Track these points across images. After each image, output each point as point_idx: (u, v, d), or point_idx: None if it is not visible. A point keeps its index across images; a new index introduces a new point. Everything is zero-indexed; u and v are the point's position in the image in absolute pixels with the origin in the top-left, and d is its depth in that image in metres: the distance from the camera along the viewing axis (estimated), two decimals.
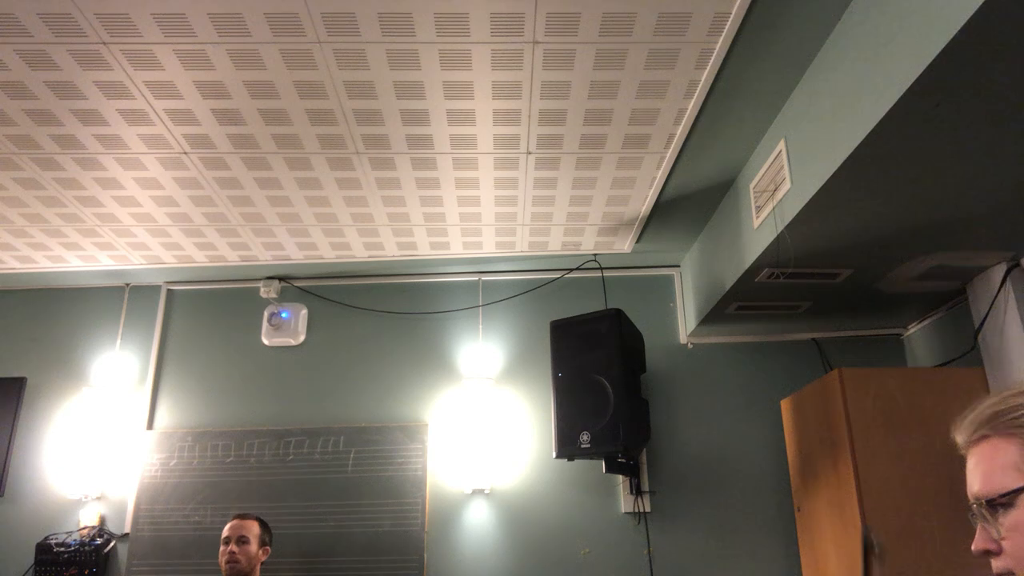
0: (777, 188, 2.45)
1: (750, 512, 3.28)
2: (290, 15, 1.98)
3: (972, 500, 0.93)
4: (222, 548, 2.76)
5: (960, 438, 0.96)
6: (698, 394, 3.47)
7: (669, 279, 3.68)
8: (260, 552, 2.80)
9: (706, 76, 2.23)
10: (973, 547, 0.92)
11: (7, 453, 3.39)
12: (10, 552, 3.31)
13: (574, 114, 2.43)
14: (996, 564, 0.90)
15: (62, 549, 3.20)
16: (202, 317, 3.67)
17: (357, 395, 3.51)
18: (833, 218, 2.34)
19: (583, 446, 2.87)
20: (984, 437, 0.93)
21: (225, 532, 2.79)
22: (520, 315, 3.62)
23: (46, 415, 3.52)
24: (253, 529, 2.80)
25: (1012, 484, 0.88)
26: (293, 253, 3.42)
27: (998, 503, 0.89)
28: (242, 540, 2.76)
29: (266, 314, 3.57)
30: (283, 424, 3.44)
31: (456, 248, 3.40)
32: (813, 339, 3.53)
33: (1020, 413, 0.90)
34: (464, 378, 3.49)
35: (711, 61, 2.16)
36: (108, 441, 3.42)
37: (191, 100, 2.33)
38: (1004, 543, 0.88)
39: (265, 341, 3.57)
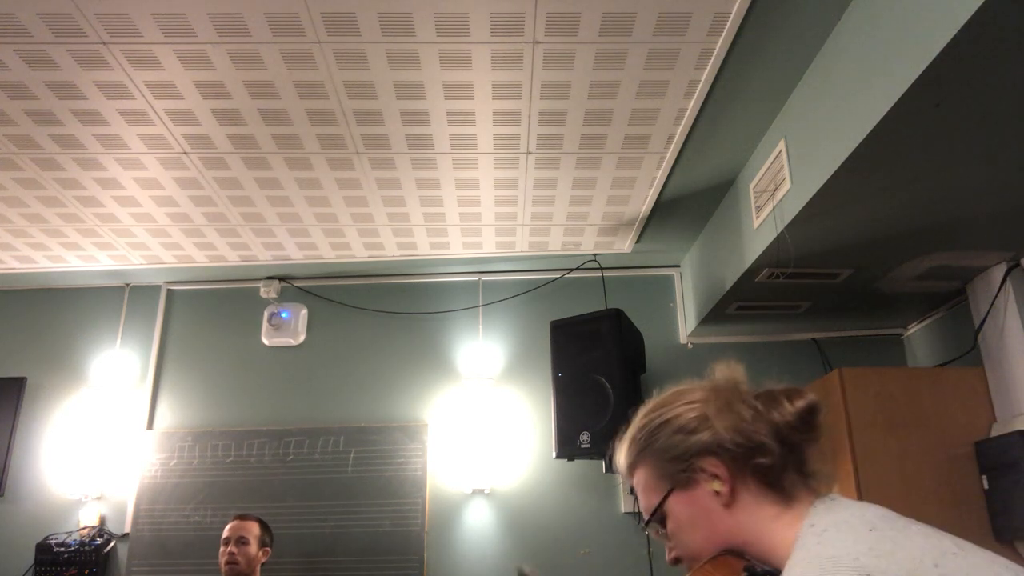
0: (777, 188, 2.45)
1: None
2: (290, 15, 1.98)
3: (642, 525, 1.07)
4: (222, 549, 2.75)
5: (620, 470, 1.09)
6: None
7: (669, 279, 3.67)
8: (260, 553, 2.79)
9: (706, 76, 2.23)
10: (667, 559, 1.03)
11: (7, 453, 3.39)
12: (10, 552, 3.31)
13: (574, 114, 2.43)
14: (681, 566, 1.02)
15: (62, 549, 3.20)
16: (202, 317, 3.67)
17: (357, 395, 3.51)
18: (833, 218, 2.34)
19: (583, 446, 2.87)
20: (631, 467, 1.06)
21: (225, 533, 2.78)
22: (520, 315, 3.62)
23: (46, 415, 3.52)
24: (253, 530, 2.79)
25: (654, 502, 1.01)
26: (293, 253, 3.42)
27: (655, 520, 1.02)
28: (242, 541, 2.75)
29: (266, 314, 3.57)
30: (283, 424, 3.44)
31: (456, 248, 3.40)
32: (813, 339, 3.53)
33: (641, 437, 1.03)
34: (464, 378, 3.49)
35: (711, 61, 2.16)
36: (108, 441, 3.42)
37: (191, 100, 2.33)
38: (676, 550, 1.01)
39: (265, 341, 3.57)
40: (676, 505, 0.99)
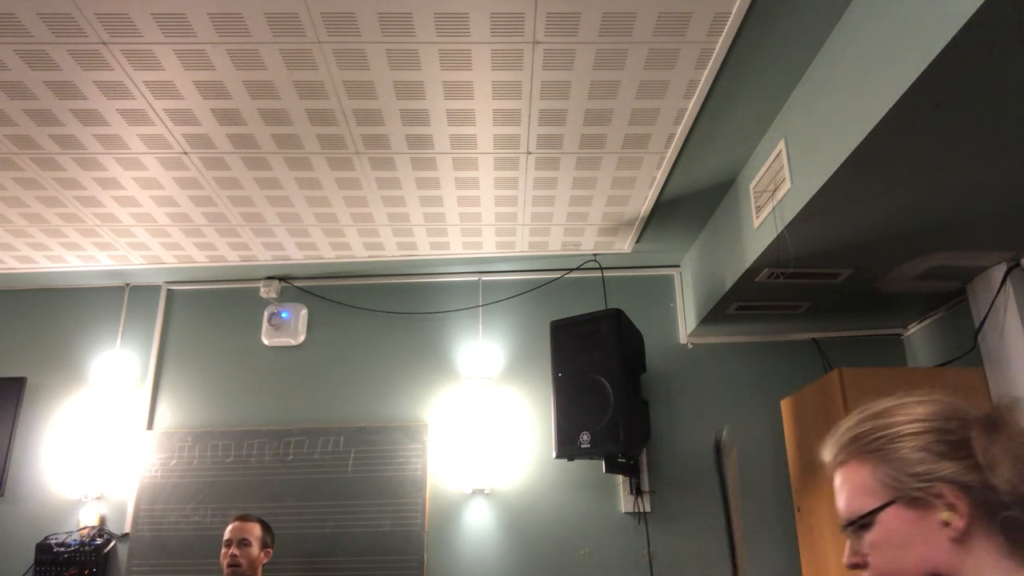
0: (777, 188, 2.45)
1: (750, 512, 3.28)
2: (290, 15, 1.98)
3: (840, 520, 1.01)
4: (224, 551, 2.74)
5: (826, 459, 1.04)
6: (698, 394, 3.47)
7: (669, 279, 3.68)
8: (262, 554, 2.78)
9: (706, 76, 2.23)
10: (844, 561, 0.99)
11: (7, 453, 3.39)
12: (10, 552, 3.31)
13: (574, 114, 2.43)
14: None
15: (62, 549, 3.20)
16: (202, 317, 3.67)
17: (357, 395, 3.51)
18: (833, 218, 2.34)
19: (583, 446, 2.87)
20: (842, 463, 1.01)
21: (226, 534, 2.77)
22: (520, 315, 3.62)
23: (46, 415, 3.52)
24: (254, 531, 2.79)
25: (866, 507, 0.96)
26: (293, 253, 3.42)
27: (858, 524, 0.97)
28: (243, 543, 2.74)
29: (266, 314, 3.57)
30: (283, 424, 3.44)
31: (456, 248, 3.40)
32: (813, 339, 3.53)
33: (871, 437, 0.97)
34: (464, 378, 3.49)
35: (711, 61, 2.16)
36: (108, 441, 3.42)
37: (191, 100, 2.33)
38: (868, 558, 0.96)
39: (265, 341, 3.57)
40: (892, 519, 0.93)
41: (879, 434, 0.97)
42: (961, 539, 0.90)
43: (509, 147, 2.62)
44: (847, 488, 0.99)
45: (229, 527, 2.78)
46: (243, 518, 2.81)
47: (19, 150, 2.59)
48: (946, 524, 0.90)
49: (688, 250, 3.53)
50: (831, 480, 1.04)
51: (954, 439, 0.92)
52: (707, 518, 3.28)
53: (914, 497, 0.92)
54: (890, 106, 1.75)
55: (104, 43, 2.08)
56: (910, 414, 0.96)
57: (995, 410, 0.93)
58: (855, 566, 0.98)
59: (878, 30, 1.82)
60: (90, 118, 2.42)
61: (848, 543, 0.99)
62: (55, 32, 2.03)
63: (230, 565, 2.70)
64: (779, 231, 2.45)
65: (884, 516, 0.94)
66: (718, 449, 1.33)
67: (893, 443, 0.95)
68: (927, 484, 0.91)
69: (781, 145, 2.41)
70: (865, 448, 0.98)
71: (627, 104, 2.37)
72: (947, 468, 0.91)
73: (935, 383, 2.68)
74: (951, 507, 0.90)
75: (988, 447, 0.90)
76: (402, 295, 3.67)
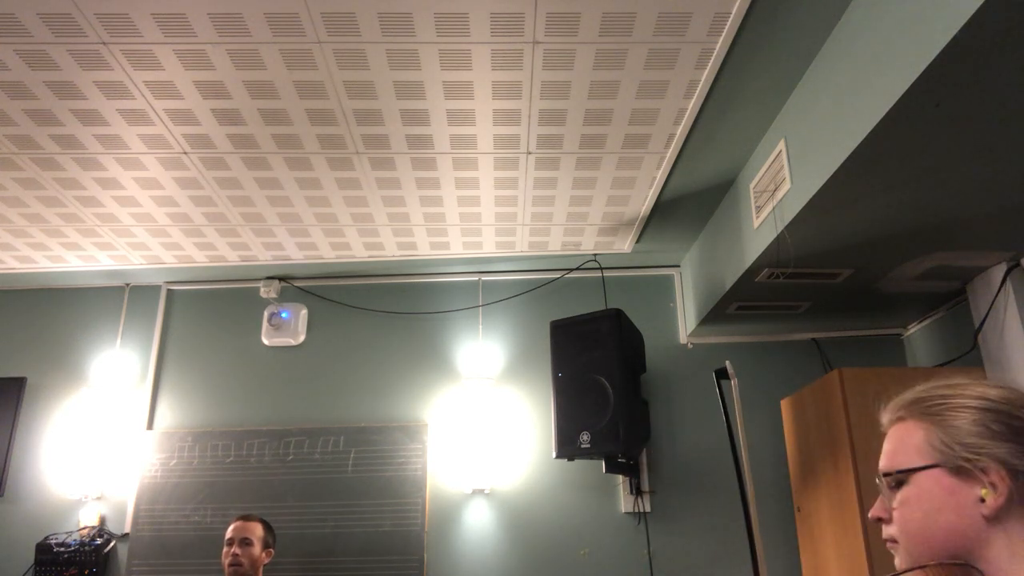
0: (777, 188, 2.45)
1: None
2: (290, 15, 1.98)
3: (878, 473, 1.01)
4: (225, 549, 2.74)
5: (884, 418, 1.05)
6: (698, 394, 3.47)
7: (669, 279, 3.68)
8: (263, 555, 2.78)
9: (706, 76, 2.23)
10: (870, 514, 1.00)
11: (7, 453, 3.39)
12: (10, 552, 3.31)
13: (574, 114, 2.43)
14: (886, 531, 0.98)
15: (62, 549, 3.20)
16: (202, 317, 3.67)
17: (357, 395, 3.51)
18: (833, 218, 2.34)
19: (583, 446, 2.87)
20: (901, 419, 1.01)
21: (228, 533, 2.77)
22: (520, 315, 3.62)
23: (46, 415, 3.52)
24: (256, 531, 2.79)
25: (909, 463, 0.96)
26: (293, 253, 3.42)
27: (896, 478, 0.97)
28: (245, 542, 2.74)
29: (266, 314, 3.57)
30: (283, 424, 3.44)
31: (456, 248, 3.40)
32: (813, 339, 3.53)
33: (937, 403, 0.98)
34: (464, 378, 3.50)
35: (711, 61, 2.16)
36: (108, 441, 3.42)
37: (191, 100, 2.33)
38: (894, 513, 0.97)
39: (265, 341, 3.57)
40: (931, 482, 0.94)
41: (944, 402, 0.97)
42: (993, 518, 0.90)
43: (509, 147, 2.62)
44: (895, 441, 1.00)
45: (231, 526, 2.79)
46: (245, 518, 2.81)
47: (19, 150, 2.60)
48: (982, 500, 0.91)
49: (688, 250, 3.53)
50: (883, 438, 1.04)
51: (1016, 424, 0.93)
52: (707, 518, 3.28)
53: (959, 467, 0.92)
54: (890, 106, 1.75)
55: (104, 43, 2.08)
56: (979, 392, 0.97)
57: None
58: (879, 519, 0.98)
59: (878, 30, 1.82)
60: (90, 118, 2.42)
61: (879, 498, 1.00)
62: (55, 32, 2.03)
63: (231, 564, 2.70)
64: (779, 231, 2.45)
65: (924, 477, 0.95)
66: (720, 377, 1.33)
67: (955, 412, 0.96)
68: (975, 456, 0.92)
69: (781, 145, 2.41)
70: (926, 411, 0.98)
71: (627, 104, 2.37)
72: (1000, 447, 0.91)
73: None
74: (992, 485, 0.90)
75: None
76: (402, 295, 3.67)
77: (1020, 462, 0.91)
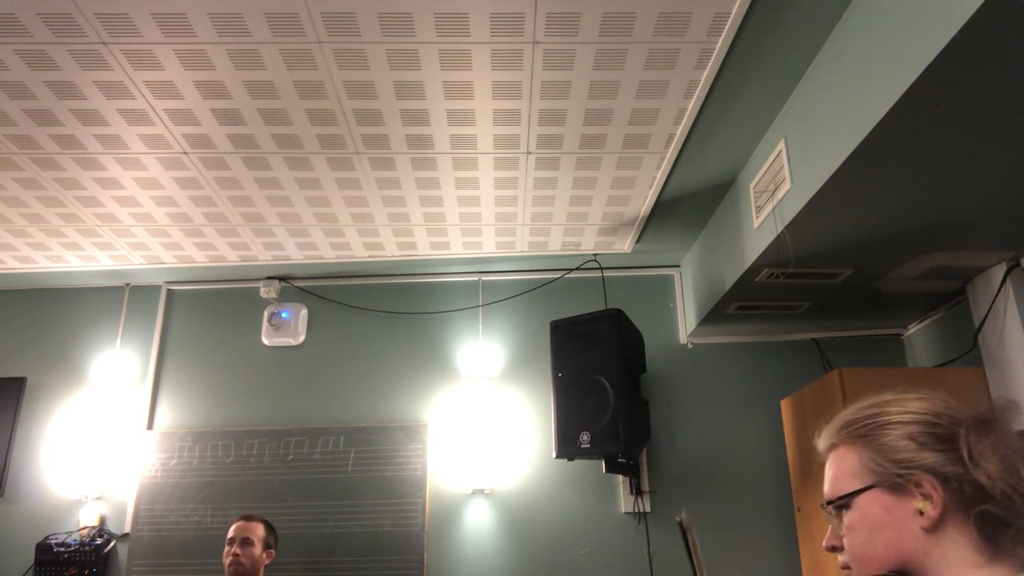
0: (777, 188, 2.45)
1: (750, 512, 3.28)
2: (290, 15, 1.98)
3: (823, 499, 1.04)
4: (226, 549, 2.74)
5: (820, 446, 1.07)
6: (698, 394, 3.47)
7: (669, 279, 3.68)
8: (264, 555, 2.78)
9: (706, 76, 2.23)
10: (824, 544, 1.02)
11: (7, 453, 3.39)
12: (10, 552, 3.31)
13: (574, 114, 2.43)
14: (840, 559, 1.00)
15: (62, 549, 3.20)
16: (202, 317, 3.67)
17: (357, 395, 3.51)
18: (833, 218, 2.34)
19: (583, 446, 2.87)
20: (834, 445, 1.03)
21: (230, 533, 2.77)
22: (520, 315, 3.62)
23: (46, 415, 3.52)
24: (257, 531, 2.79)
25: (848, 488, 0.98)
26: (293, 253, 3.42)
27: (837, 504, 0.99)
28: (246, 542, 2.74)
29: (266, 314, 3.57)
30: (283, 424, 3.44)
31: (456, 248, 3.40)
32: (813, 339, 3.53)
33: (865, 423, 1.00)
34: (464, 378, 3.50)
35: (711, 61, 2.16)
36: (108, 441, 3.42)
37: (191, 100, 2.33)
38: (844, 540, 0.99)
39: (265, 341, 3.57)
40: (870, 503, 0.96)
41: (870, 421, 1.00)
42: (932, 529, 0.92)
43: (509, 147, 2.62)
44: (833, 470, 1.02)
45: (233, 526, 2.78)
46: (247, 518, 2.81)
47: (19, 150, 2.60)
48: (920, 513, 0.92)
49: (688, 250, 3.53)
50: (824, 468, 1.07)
51: (941, 432, 0.95)
52: (707, 518, 3.28)
53: (894, 483, 0.94)
54: (890, 106, 1.75)
55: (104, 43, 2.08)
56: (903, 407, 0.99)
57: (989, 410, 0.96)
58: (833, 548, 1.00)
59: (878, 30, 1.82)
60: (90, 118, 2.42)
61: (830, 526, 1.02)
62: (55, 32, 2.03)
63: (231, 564, 2.70)
64: (779, 231, 2.45)
65: (863, 499, 0.97)
66: (682, 530, 1.34)
67: (882, 430, 0.98)
68: (907, 471, 0.94)
69: (781, 145, 2.41)
70: (856, 433, 1.00)
71: (627, 104, 2.37)
72: (928, 458, 0.93)
73: (935, 383, 2.69)
74: (927, 496, 0.92)
75: (976, 443, 0.92)
76: (402, 295, 3.67)
77: (949, 469, 0.92)
